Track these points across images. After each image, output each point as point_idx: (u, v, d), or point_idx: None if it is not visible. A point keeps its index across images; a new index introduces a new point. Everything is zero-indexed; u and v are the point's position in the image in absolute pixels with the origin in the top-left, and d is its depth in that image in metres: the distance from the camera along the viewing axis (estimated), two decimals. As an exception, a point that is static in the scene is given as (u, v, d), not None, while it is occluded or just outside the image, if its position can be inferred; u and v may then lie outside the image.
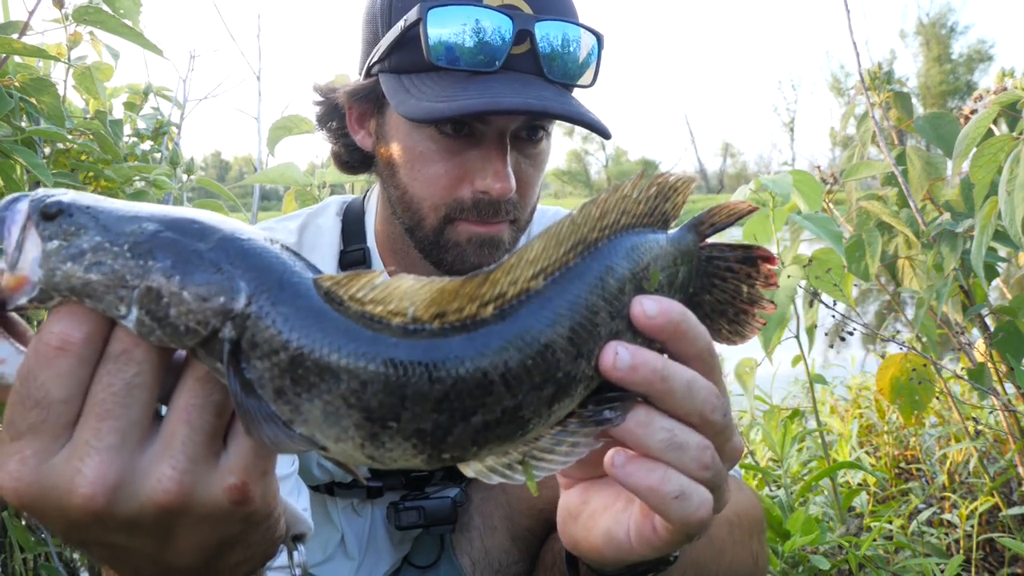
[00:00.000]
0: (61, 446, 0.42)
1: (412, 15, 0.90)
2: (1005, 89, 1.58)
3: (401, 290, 0.42)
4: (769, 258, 0.56)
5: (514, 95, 0.88)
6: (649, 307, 0.48)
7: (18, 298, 0.43)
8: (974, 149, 1.50)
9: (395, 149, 0.99)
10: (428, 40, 0.90)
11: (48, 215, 0.43)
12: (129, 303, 0.41)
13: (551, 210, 1.27)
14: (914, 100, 2.06)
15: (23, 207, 0.43)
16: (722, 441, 0.52)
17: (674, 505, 0.49)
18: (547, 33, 0.92)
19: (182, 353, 0.45)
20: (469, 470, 0.45)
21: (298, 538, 0.58)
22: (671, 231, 0.53)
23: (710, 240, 0.56)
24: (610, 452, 0.51)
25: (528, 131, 0.98)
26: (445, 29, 0.90)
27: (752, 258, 0.56)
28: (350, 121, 1.08)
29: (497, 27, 0.90)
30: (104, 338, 0.43)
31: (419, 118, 0.90)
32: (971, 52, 42.32)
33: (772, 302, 0.57)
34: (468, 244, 0.98)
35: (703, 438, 0.51)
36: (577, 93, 1.01)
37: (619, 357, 0.47)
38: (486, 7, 0.90)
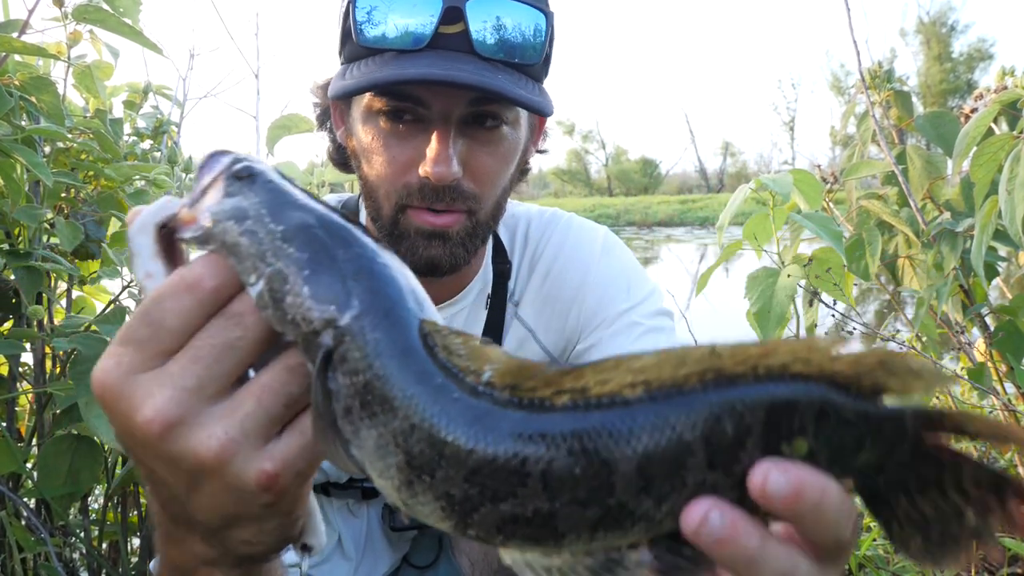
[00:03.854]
0: (152, 368, 0.46)
1: (347, 1, 0.92)
2: (1005, 88, 1.58)
3: (490, 354, 0.42)
4: None
5: (424, 68, 0.87)
6: (775, 483, 0.38)
7: (185, 232, 0.48)
8: (974, 148, 1.50)
9: (356, 141, 1.01)
10: (356, 24, 0.91)
11: (238, 176, 0.48)
12: (260, 276, 0.45)
13: (548, 211, 1.27)
14: (914, 99, 2.06)
15: (224, 162, 0.49)
16: None
17: None
18: (481, 11, 0.90)
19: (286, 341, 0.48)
20: (507, 557, 0.43)
21: (307, 548, 0.58)
22: (876, 402, 0.41)
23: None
24: None
25: (479, 117, 0.95)
26: (372, 11, 0.90)
27: (1002, 489, 0.41)
28: (334, 118, 1.09)
29: (425, 5, 0.89)
30: (230, 296, 0.47)
31: (332, 95, 0.94)
32: (971, 51, 42.32)
33: (1004, 546, 0.42)
34: (417, 235, 0.97)
35: None
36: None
37: (708, 524, 0.38)
38: None
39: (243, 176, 0.48)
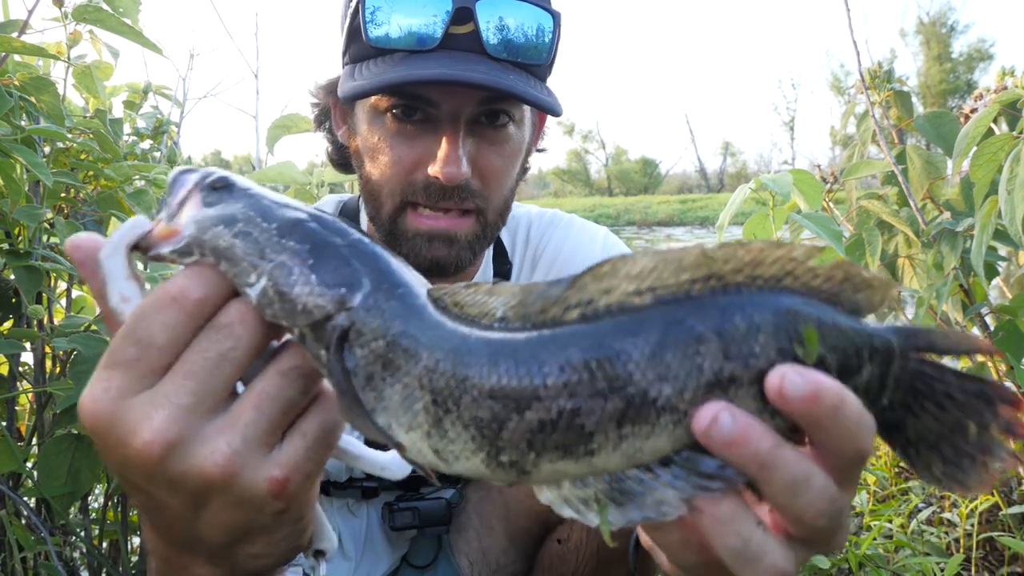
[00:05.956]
0: (144, 388, 0.44)
1: (355, 1, 0.91)
2: (1005, 88, 1.58)
3: (498, 296, 0.44)
4: (1014, 401, 0.42)
5: (437, 68, 0.87)
6: (792, 384, 0.38)
7: (163, 247, 0.47)
8: (974, 148, 1.49)
9: (360, 141, 1.00)
10: (366, 24, 0.91)
11: (215, 187, 0.48)
12: (260, 274, 0.45)
13: (548, 212, 1.27)
14: (914, 99, 2.06)
15: (194, 176, 0.49)
16: (820, 538, 0.43)
17: None
18: (491, 11, 0.90)
19: (273, 346, 0.48)
20: (543, 495, 0.43)
21: (319, 554, 0.57)
22: (864, 321, 0.43)
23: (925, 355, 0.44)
24: None
25: (487, 116, 0.95)
26: (382, 11, 0.90)
27: (987, 396, 0.43)
28: (335, 118, 1.09)
29: (435, 6, 0.89)
30: (217, 307, 0.45)
31: (345, 96, 0.92)
32: (971, 51, 42.31)
33: (1016, 456, 0.43)
34: (419, 238, 0.97)
35: (785, 550, 0.41)
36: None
37: (718, 425, 0.38)
38: None
39: (219, 186, 0.48)
